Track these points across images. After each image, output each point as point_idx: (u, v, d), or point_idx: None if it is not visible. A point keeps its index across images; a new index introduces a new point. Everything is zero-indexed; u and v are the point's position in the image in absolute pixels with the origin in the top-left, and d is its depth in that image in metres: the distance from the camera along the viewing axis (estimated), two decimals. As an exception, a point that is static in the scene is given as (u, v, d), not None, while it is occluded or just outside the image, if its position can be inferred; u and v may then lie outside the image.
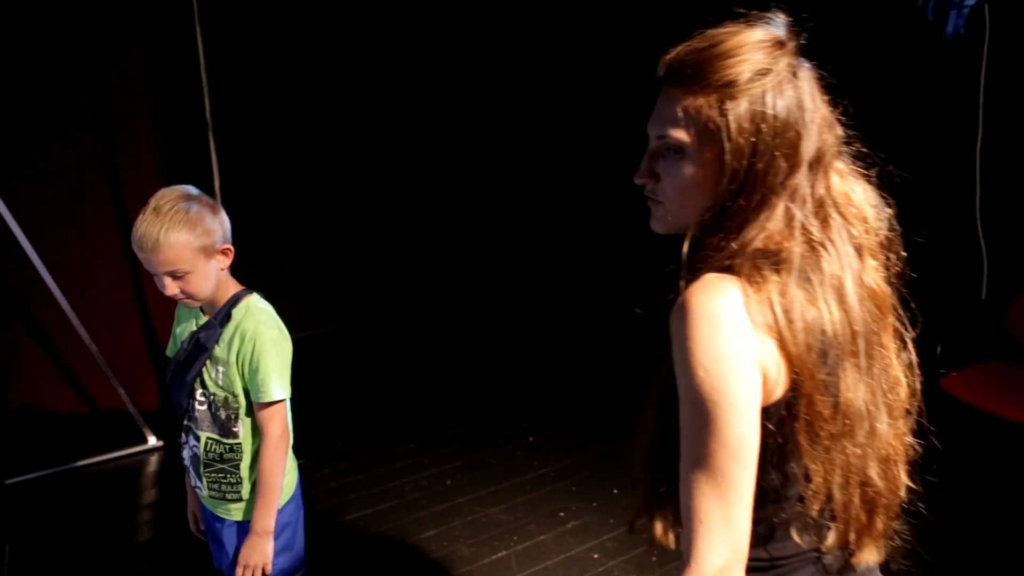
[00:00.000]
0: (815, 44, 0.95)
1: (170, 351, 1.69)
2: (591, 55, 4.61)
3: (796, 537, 0.94)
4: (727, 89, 0.88)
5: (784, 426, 0.89)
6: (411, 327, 4.62)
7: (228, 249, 1.53)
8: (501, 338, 4.60)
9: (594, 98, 4.68)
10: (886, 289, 0.99)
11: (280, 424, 1.56)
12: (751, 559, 0.89)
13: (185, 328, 1.63)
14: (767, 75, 0.89)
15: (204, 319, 1.58)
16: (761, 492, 0.89)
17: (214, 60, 3.54)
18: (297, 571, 1.75)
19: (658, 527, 0.99)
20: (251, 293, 1.58)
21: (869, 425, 0.93)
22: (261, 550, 1.59)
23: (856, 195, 0.97)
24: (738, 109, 0.88)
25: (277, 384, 1.52)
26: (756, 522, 0.89)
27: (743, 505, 0.85)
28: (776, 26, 0.93)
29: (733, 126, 0.88)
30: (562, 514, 2.84)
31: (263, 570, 1.60)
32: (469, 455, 3.28)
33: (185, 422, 1.64)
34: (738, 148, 0.88)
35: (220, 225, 1.51)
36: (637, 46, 3.10)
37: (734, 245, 0.89)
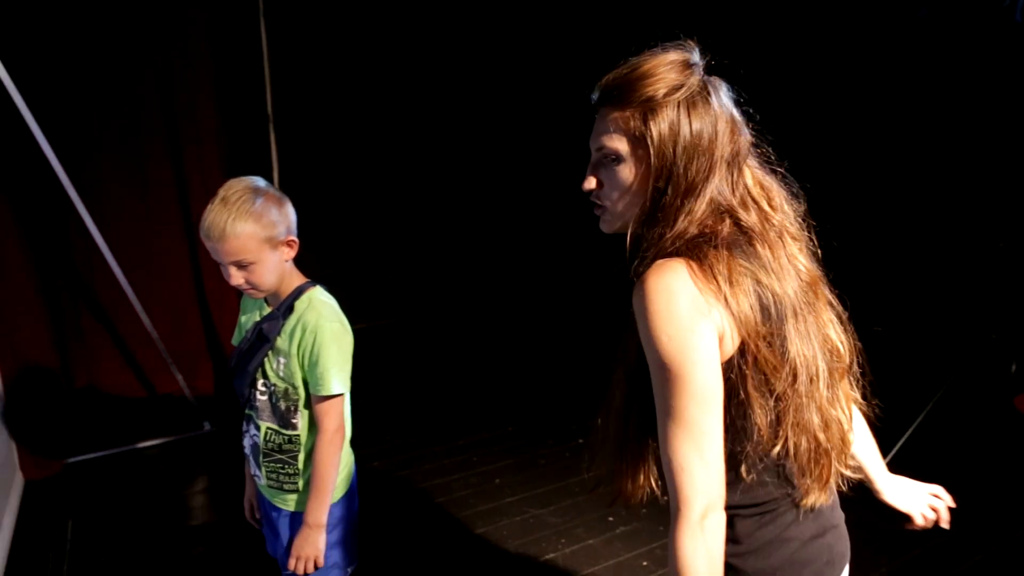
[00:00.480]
0: (725, 62, 1.13)
1: (235, 339, 1.70)
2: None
3: (765, 480, 1.10)
4: (648, 104, 1.05)
5: (741, 379, 1.03)
6: (465, 322, 4.62)
7: (293, 241, 1.53)
8: (556, 336, 4.55)
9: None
10: (811, 266, 1.15)
11: (336, 419, 1.56)
12: (741, 506, 1.09)
13: (250, 318, 1.64)
14: (679, 90, 1.05)
15: (268, 310, 1.59)
16: (731, 443, 1.05)
17: (277, 53, 3.59)
18: (349, 565, 1.75)
19: (628, 485, 1.16)
20: (315, 285, 1.58)
21: (810, 378, 1.08)
22: (313, 543, 1.59)
23: (772, 188, 1.15)
24: (658, 120, 1.05)
25: (336, 378, 1.52)
26: (734, 472, 1.06)
27: (716, 448, 1.00)
28: (688, 50, 1.10)
29: (655, 134, 1.05)
30: (611, 519, 2.79)
31: (315, 563, 1.60)
32: (518, 454, 3.26)
33: (247, 411, 1.65)
34: (661, 152, 1.05)
35: (285, 217, 1.51)
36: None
37: (670, 234, 1.06)
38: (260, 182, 1.52)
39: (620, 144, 1.08)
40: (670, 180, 1.06)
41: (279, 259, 1.51)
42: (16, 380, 3.03)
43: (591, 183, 1.13)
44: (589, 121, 1.13)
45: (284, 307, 1.54)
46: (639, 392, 1.08)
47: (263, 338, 1.55)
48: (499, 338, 4.54)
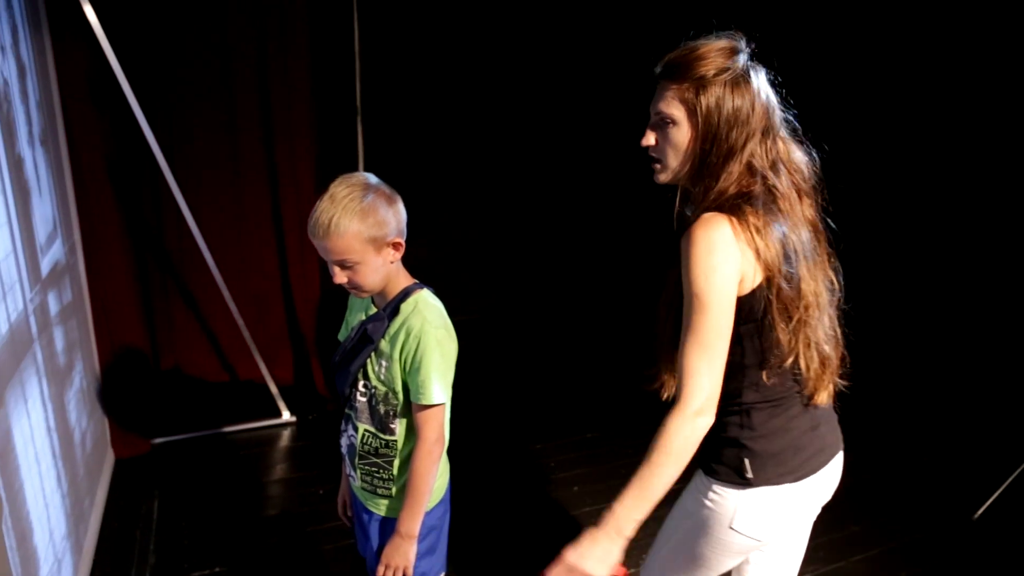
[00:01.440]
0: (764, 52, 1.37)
1: (341, 336, 1.68)
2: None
3: (779, 383, 1.38)
4: (700, 81, 1.30)
5: (768, 306, 1.31)
6: (548, 319, 4.50)
7: (399, 243, 1.48)
8: (642, 341, 4.41)
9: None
10: (817, 218, 1.42)
11: (436, 428, 1.52)
12: (759, 402, 1.38)
13: (356, 317, 1.61)
14: (725, 72, 1.30)
15: (374, 310, 1.55)
16: (758, 354, 1.35)
17: (367, 46, 3.58)
18: (438, 575, 1.71)
19: (668, 380, 1.50)
20: (422, 288, 1.54)
21: (819, 308, 1.36)
22: (404, 552, 1.56)
23: (795, 156, 1.40)
24: (707, 95, 1.29)
25: (437, 387, 1.47)
26: (754, 378, 1.37)
27: (719, 364, 1.28)
28: (736, 39, 1.34)
29: (703, 106, 1.30)
30: (693, 536, 2.70)
31: (404, 572, 1.57)
32: (597, 463, 3.18)
33: (346, 410, 1.63)
34: (708, 120, 1.30)
35: (394, 217, 1.46)
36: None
37: (714, 190, 1.32)
38: (371, 179, 1.47)
39: (676, 111, 1.33)
40: (714, 143, 1.31)
41: (384, 260, 1.47)
42: (111, 361, 3.12)
43: (650, 139, 1.38)
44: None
45: (390, 309, 1.51)
46: (676, 314, 1.35)
47: (367, 339, 1.52)
48: (584, 339, 4.43)
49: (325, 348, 3.75)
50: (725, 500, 1.41)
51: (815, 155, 1.44)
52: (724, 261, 1.25)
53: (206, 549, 2.60)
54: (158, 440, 3.31)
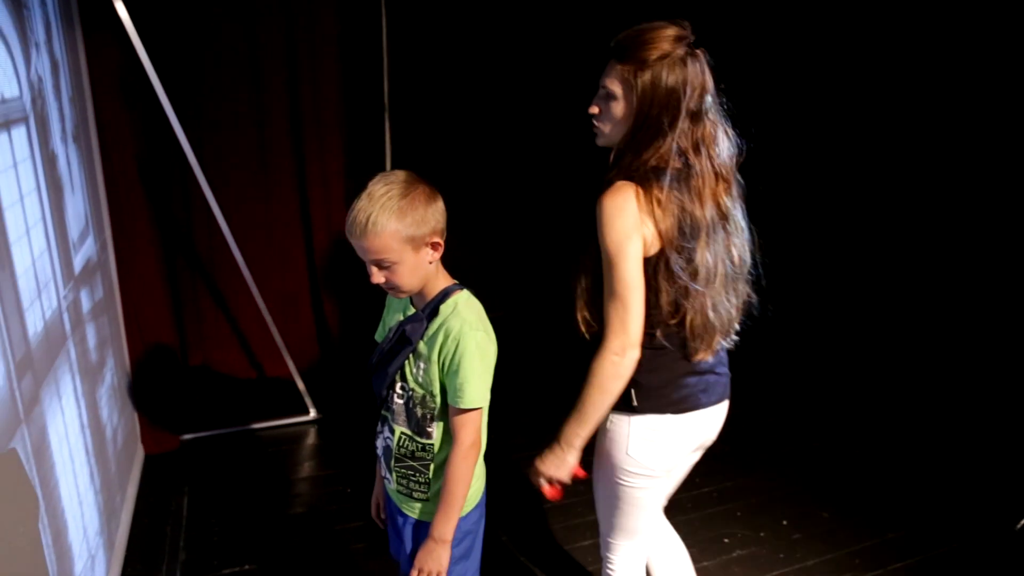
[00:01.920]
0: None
1: (378, 336, 1.66)
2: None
3: (667, 335, 1.56)
4: (639, 64, 1.46)
5: (656, 272, 1.49)
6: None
7: (438, 243, 1.44)
8: None
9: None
10: (726, 200, 1.57)
11: (473, 433, 1.49)
12: (646, 347, 1.53)
13: (394, 317, 1.58)
14: (666, 58, 1.45)
15: (412, 310, 1.53)
16: (649, 311, 1.51)
17: (395, 42, 3.56)
18: (472, 579, 1.68)
19: (581, 324, 1.62)
20: (462, 289, 1.50)
21: (708, 278, 1.53)
22: (438, 557, 1.53)
23: (719, 140, 1.54)
24: (644, 76, 1.46)
25: (475, 390, 1.44)
26: (649, 329, 1.53)
27: (634, 311, 1.48)
28: (683, 27, 1.48)
29: (639, 85, 1.46)
30: (726, 540, 2.65)
31: None
32: (626, 464, 3.14)
33: (383, 412, 1.61)
34: (642, 99, 1.47)
35: (433, 216, 1.42)
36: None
37: (637, 161, 1.49)
38: (411, 177, 1.44)
39: (616, 87, 1.50)
40: (646, 120, 1.48)
41: (423, 260, 1.43)
42: (141, 358, 3.13)
43: (595, 109, 1.57)
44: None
45: (429, 310, 1.48)
46: (595, 271, 1.54)
47: (405, 340, 1.49)
48: None
49: (352, 346, 3.74)
50: (619, 426, 1.63)
51: (741, 142, 1.59)
52: (630, 225, 1.45)
53: (236, 546, 2.60)
54: (187, 436, 3.33)
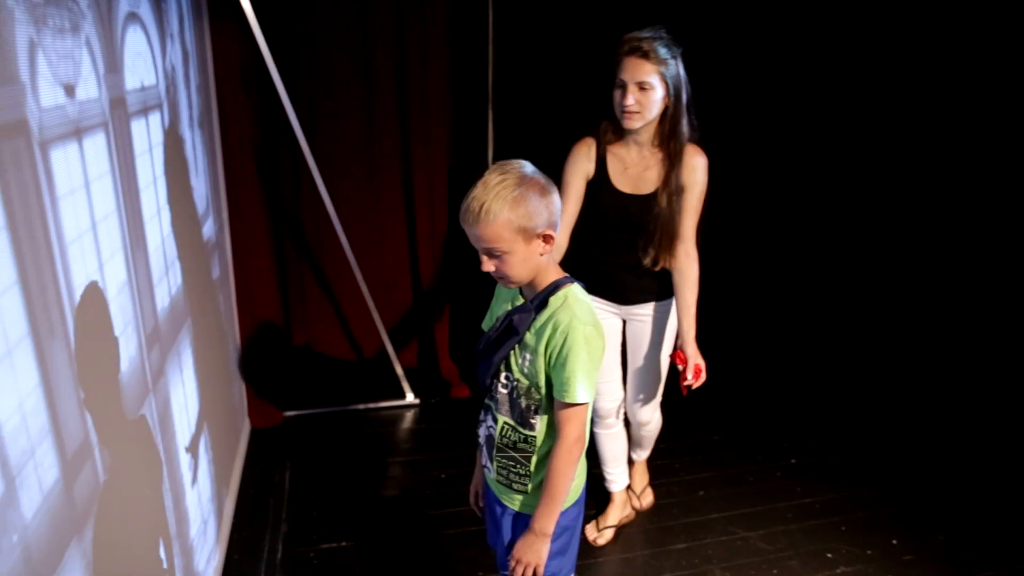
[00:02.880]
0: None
1: (485, 324, 1.66)
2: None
3: None
4: (664, 61, 2.06)
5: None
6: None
7: (550, 235, 1.43)
8: (775, 339, 4.18)
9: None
10: None
11: (577, 428, 1.47)
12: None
13: (502, 307, 1.58)
14: (676, 56, 2.09)
15: (521, 301, 1.52)
16: None
17: (501, 33, 3.56)
18: (568, 574, 1.67)
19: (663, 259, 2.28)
20: (573, 282, 1.48)
21: None
22: (537, 551, 1.52)
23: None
24: (669, 71, 2.07)
25: (582, 385, 1.42)
26: None
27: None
28: (661, 32, 2.08)
29: (669, 78, 2.08)
30: (829, 555, 2.54)
31: (535, 571, 1.54)
32: (723, 467, 3.06)
33: (486, 401, 1.61)
34: (669, 87, 2.09)
35: (546, 209, 1.41)
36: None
37: (675, 134, 2.15)
38: (528, 168, 1.43)
39: (655, 80, 2.07)
40: (674, 104, 2.12)
41: (534, 251, 1.42)
42: (250, 335, 3.27)
43: (636, 99, 2.10)
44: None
45: (538, 301, 1.47)
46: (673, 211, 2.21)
47: (512, 330, 1.48)
48: (713, 336, 4.19)
49: (451, 334, 3.79)
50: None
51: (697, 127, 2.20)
52: None
53: (333, 522, 2.68)
54: (289, 413, 3.46)
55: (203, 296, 2.47)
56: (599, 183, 2.23)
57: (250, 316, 3.26)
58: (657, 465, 3.04)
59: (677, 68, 2.08)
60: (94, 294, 1.35)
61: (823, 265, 4.29)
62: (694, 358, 2.23)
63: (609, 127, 2.21)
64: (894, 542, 2.60)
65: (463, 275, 3.67)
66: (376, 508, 2.80)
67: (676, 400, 3.66)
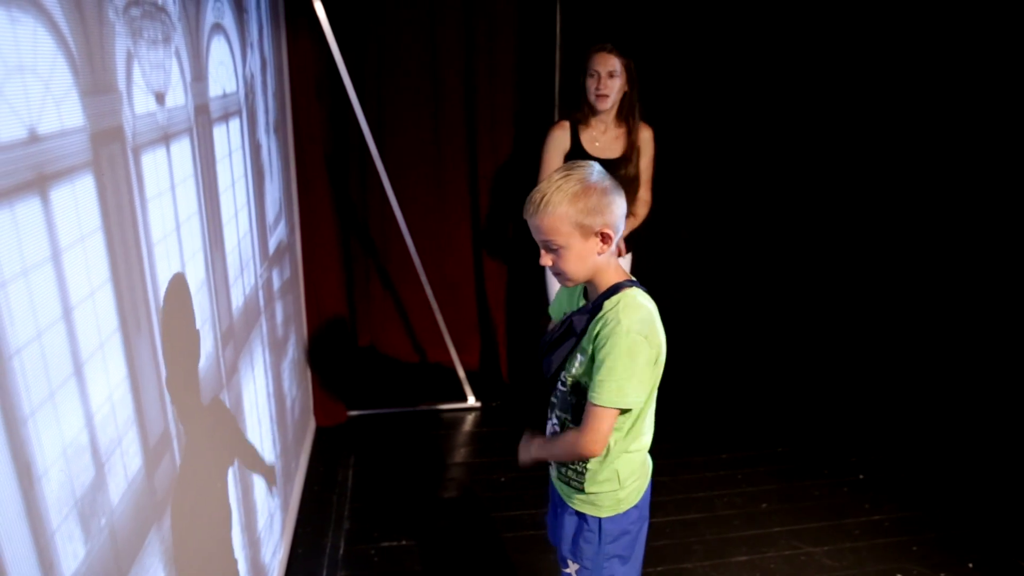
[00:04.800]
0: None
1: (551, 310, 1.72)
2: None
3: None
4: (623, 57, 2.83)
5: None
6: (743, 325, 4.20)
7: (608, 235, 1.43)
8: (845, 353, 4.06)
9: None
10: None
11: (596, 431, 1.45)
12: None
13: (569, 302, 1.61)
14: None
15: (583, 302, 1.53)
16: None
17: (568, 39, 3.58)
18: (631, 580, 1.67)
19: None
20: (633, 286, 1.48)
21: None
22: (525, 450, 1.68)
23: None
24: (627, 64, 2.85)
25: (612, 391, 1.41)
26: None
27: None
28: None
29: (627, 69, 2.86)
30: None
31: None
32: (788, 479, 2.99)
33: (551, 399, 1.62)
34: (628, 77, 2.87)
35: (607, 208, 1.41)
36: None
37: (632, 111, 2.91)
38: (596, 169, 1.44)
39: (619, 69, 2.81)
40: (633, 88, 2.87)
41: (591, 249, 1.43)
42: (317, 336, 3.36)
43: (604, 84, 2.81)
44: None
45: (595, 304, 1.47)
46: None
47: (571, 332, 1.49)
48: (779, 344, 4.11)
49: (513, 339, 3.82)
50: None
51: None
52: None
53: (395, 521, 2.73)
54: (353, 412, 3.53)
55: (275, 296, 2.56)
56: (575, 152, 2.89)
57: (318, 316, 3.35)
58: (719, 476, 3.00)
59: (630, 63, 2.84)
60: (177, 292, 1.41)
61: (876, 271, 4.16)
62: None
63: (585, 109, 2.88)
64: (970, 565, 2.49)
65: (526, 280, 3.69)
66: (436, 509, 2.83)
67: (740, 410, 3.64)
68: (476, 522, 2.75)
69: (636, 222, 2.99)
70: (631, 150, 2.91)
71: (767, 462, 3.11)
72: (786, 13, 3.74)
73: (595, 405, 1.43)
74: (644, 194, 2.99)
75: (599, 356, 1.42)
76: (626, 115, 2.89)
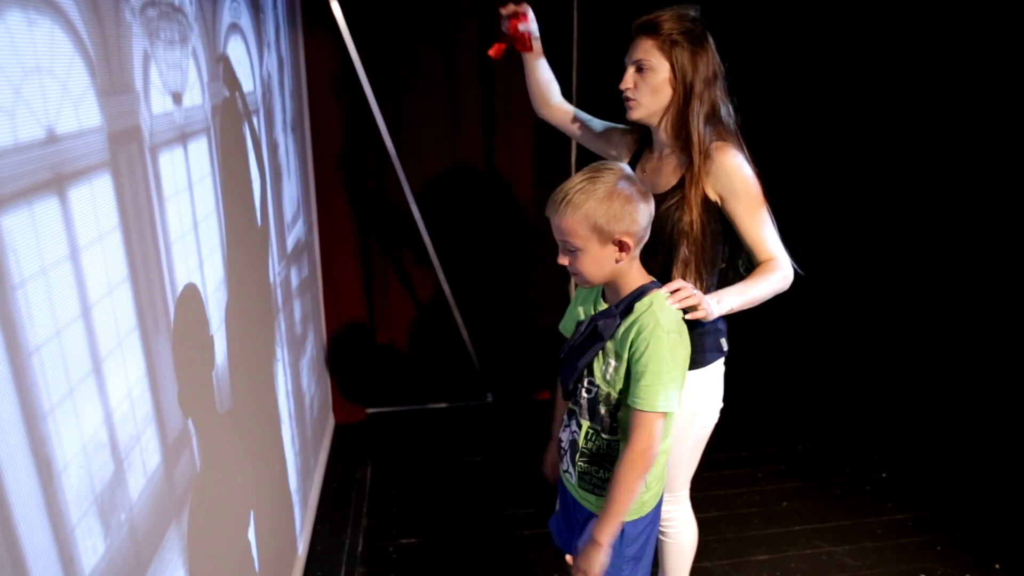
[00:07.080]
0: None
1: (562, 326, 1.67)
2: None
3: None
4: (669, 38, 1.65)
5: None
6: (765, 324, 4.16)
7: (627, 243, 1.40)
8: (869, 352, 4.02)
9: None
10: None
11: (647, 437, 1.42)
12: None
13: (584, 309, 1.58)
14: (696, 38, 1.65)
15: (604, 306, 1.52)
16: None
17: (585, 39, 3.56)
18: (644, 582, 1.65)
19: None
20: (659, 287, 1.46)
21: None
22: (597, 560, 1.48)
23: (724, 103, 1.74)
24: (677, 51, 1.64)
25: (661, 394, 1.39)
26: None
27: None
28: (695, 11, 1.67)
29: (676, 59, 1.65)
30: None
31: None
32: (809, 478, 2.96)
33: (571, 406, 1.61)
34: (676, 71, 1.66)
35: (629, 215, 1.38)
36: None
37: (685, 129, 1.68)
38: (624, 171, 1.41)
39: (656, 61, 1.66)
40: (685, 91, 1.67)
41: (608, 255, 1.41)
42: (336, 334, 3.38)
43: (630, 84, 1.72)
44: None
45: (623, 306, 1.45)
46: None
47: (597, 336, 1.47)
48: (800, 341, 4.07)
49: (530, 338, 3.81)
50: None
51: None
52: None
53: (413, 518, 2.74)
54: (371, 410, 3.55)
55: (293, 294, 2.57)
56: None
57: (336, 315, 3.37)
58: (739, 473, 2.97)
59: (692, 51, 1.62)
60: (194, 291, 1.42)
61: (901, 267, 4.11)
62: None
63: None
64: (997, 566, 2.45)
65: (544, 279, 3.68)
66: (454, 506, 2.84)
67: (760, 407, 3.61)
68: (493, 519, 2.75)
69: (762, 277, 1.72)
70: (688, 194, 1.66)
71: (788, 460, 3.08)
72: (786, 14, 3.72)
73: (643, 411, 1.41)
74: (764, 256, 1.72)
75: (640, 360, 1.40)
76: (683, 134, 1.68)
